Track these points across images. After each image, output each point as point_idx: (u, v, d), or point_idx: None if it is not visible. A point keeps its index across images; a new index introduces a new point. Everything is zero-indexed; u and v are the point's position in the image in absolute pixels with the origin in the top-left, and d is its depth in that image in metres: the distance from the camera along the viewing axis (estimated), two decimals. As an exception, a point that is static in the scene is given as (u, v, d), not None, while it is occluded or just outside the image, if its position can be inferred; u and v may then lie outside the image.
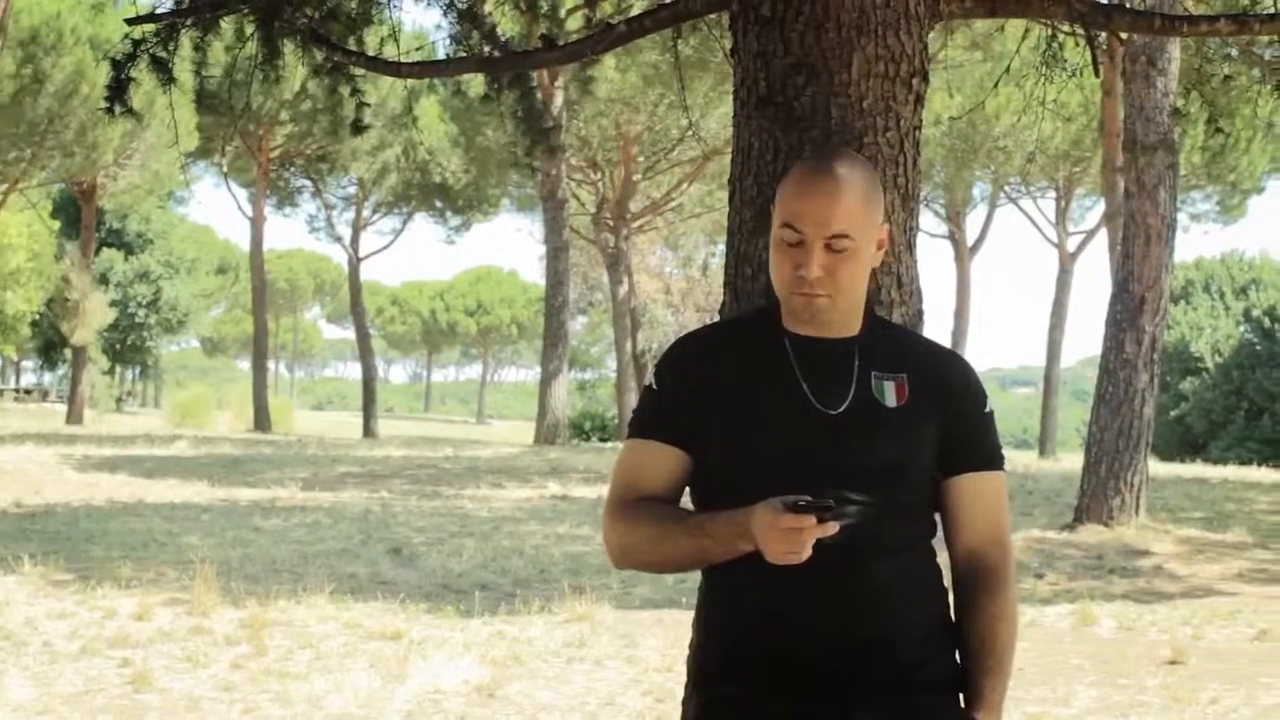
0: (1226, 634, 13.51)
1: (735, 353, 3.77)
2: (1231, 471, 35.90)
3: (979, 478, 3.77)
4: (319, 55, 7.69)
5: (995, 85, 16.76)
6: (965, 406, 3.77)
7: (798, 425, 3.61)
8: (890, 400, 3.67)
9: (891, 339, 3.85)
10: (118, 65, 7.62)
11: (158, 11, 7.49)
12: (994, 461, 3.82)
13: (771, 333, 3.74)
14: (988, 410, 3.84)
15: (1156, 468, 29.51)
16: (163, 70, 7.42)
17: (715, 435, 3.66)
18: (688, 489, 3.79)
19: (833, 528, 3.29)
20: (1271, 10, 6.77)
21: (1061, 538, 19.58)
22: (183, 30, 7.38)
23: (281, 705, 9.97)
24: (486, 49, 8.25)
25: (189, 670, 10.95)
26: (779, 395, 3.65)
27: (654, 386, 3.80)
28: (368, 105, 8.51)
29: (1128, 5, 7.63)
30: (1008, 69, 12.09)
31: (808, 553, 3.31)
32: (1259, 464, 41.39)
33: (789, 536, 3.29)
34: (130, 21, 7.67)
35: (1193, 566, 17.66)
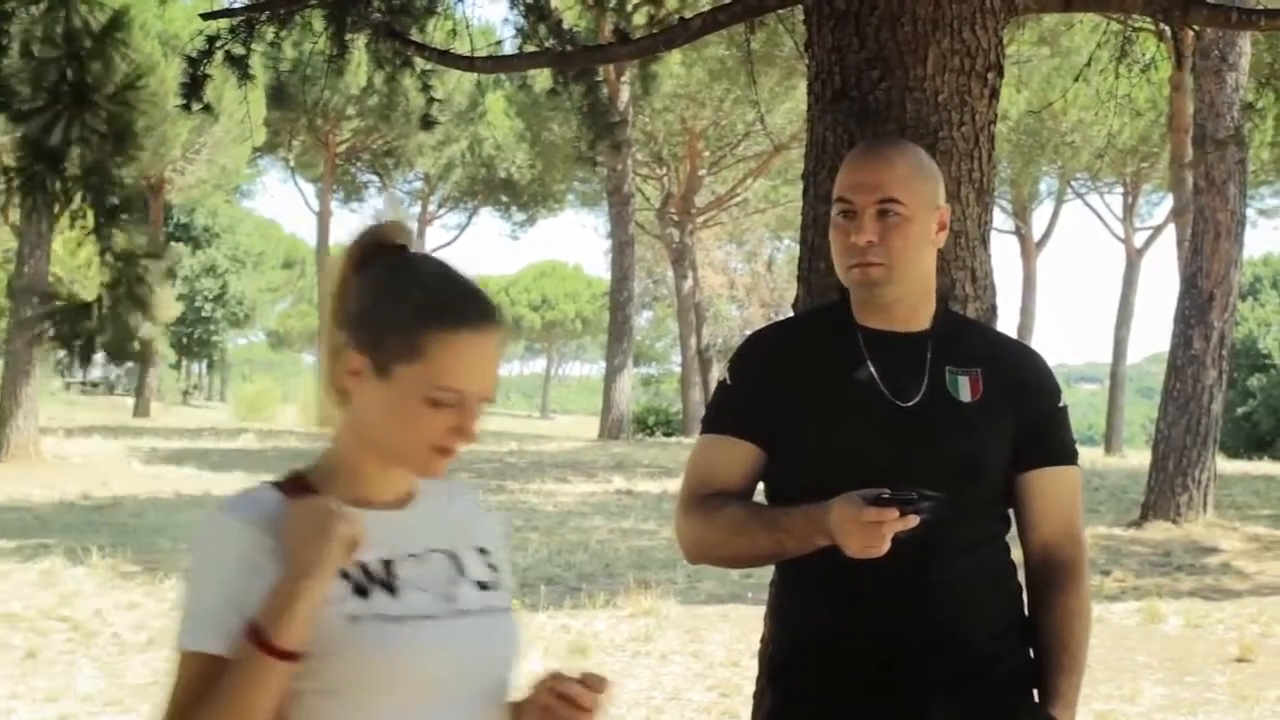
0: (1295, 632, 13.44)
1: (808, 347, 3.79)
2: (1298, 469, 35.66)
3: (1053, 473, 3.76)
4: (389, 50, 7.71)
5: (1076, 79, 16.64)
6: (1040, 402, 3.77)
7: (871, 418, 3.61)
8: (965, 395, 3.67)
9: (965, 333, 3.88)
10: (193, 61, 7.67)
11: (233, 6, 7.52)
12: (1068, 456, 3.81)
13: (843, 326, 3.73)
14: (1061, 405, 3.84)
15: (1224, 465, 29.24)
16: (239, 66, 7.46)
17: (789, 429, 3.66)
18: (762, 484, 3.78)
19: (913, 521, 3.26)
20: (1347, 5, 6.74)
21: (1128, 534, 19.49)
22: (257, 25, 7.41)
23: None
24: (555, 43, 8.27)
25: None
26: (851, 388, 3.64)
27: (728, 381, 3.81)
28: (436, 100, 8.54)
29: None
30: (1089, 63, 12.06)
31: (887, 546, 3.28)
32: (1327, 461, 41.10)
33: (869, 530, 3.26)
34: (205, 16, 7.74)
35: (1260, 564, 17.56)
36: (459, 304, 2.65)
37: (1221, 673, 11.43)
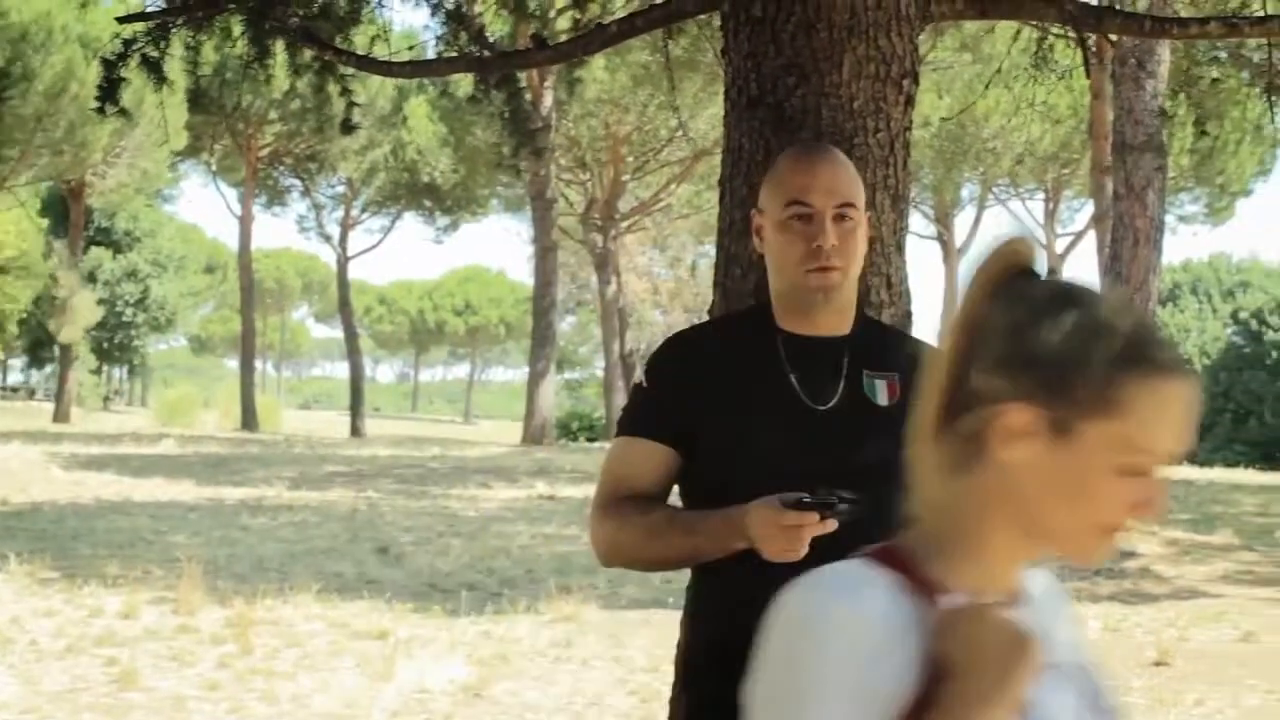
0: (1212, 636, 13.54)
1: (726, 350, 3.77)
2: (1218, 473, 35.95)
3: None
4: (309, 54, 7.68)
5: (986, 87, 16.81)
6: None
7: (787, 422, 3.62)
8: (882, 399, 3.68)
9: (883, 338, 3.88)
10: (109, 64, 7.62)
11: (148, 10, 7.46)
12: None
13: (763, 330, 3.74)
14: None
15: (1143, 470, 29.48)
16: (154, 70, 7.42)
17: (705, 433, 3.65)
18: (676, 486, 3.76)
19: (832, 525, 3.27)
20: (1262, 14, 6.79)
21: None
22: (174, 29, 7.37)
23: (267, 704, 9.97)
24: (475, 49, 8.25)
25: (175, 669, 10.95)
26: (769, 392, 3.65)
27: (644, 384, 3.79)
28: (357, 105, 8.51)
29: (1118, 8, 7.65)
30: (999, 70, 12.17)
31: (805, 550, 3.28)
32: (1246, 466, 41.53)
33: (789, 534, 3.29)
34: (121, 20, 7.68)
35: (1179, 568, 17.69)
36: (1159, 346, 2.03)
37: (1140, 676, 11.50)
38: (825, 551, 3.14)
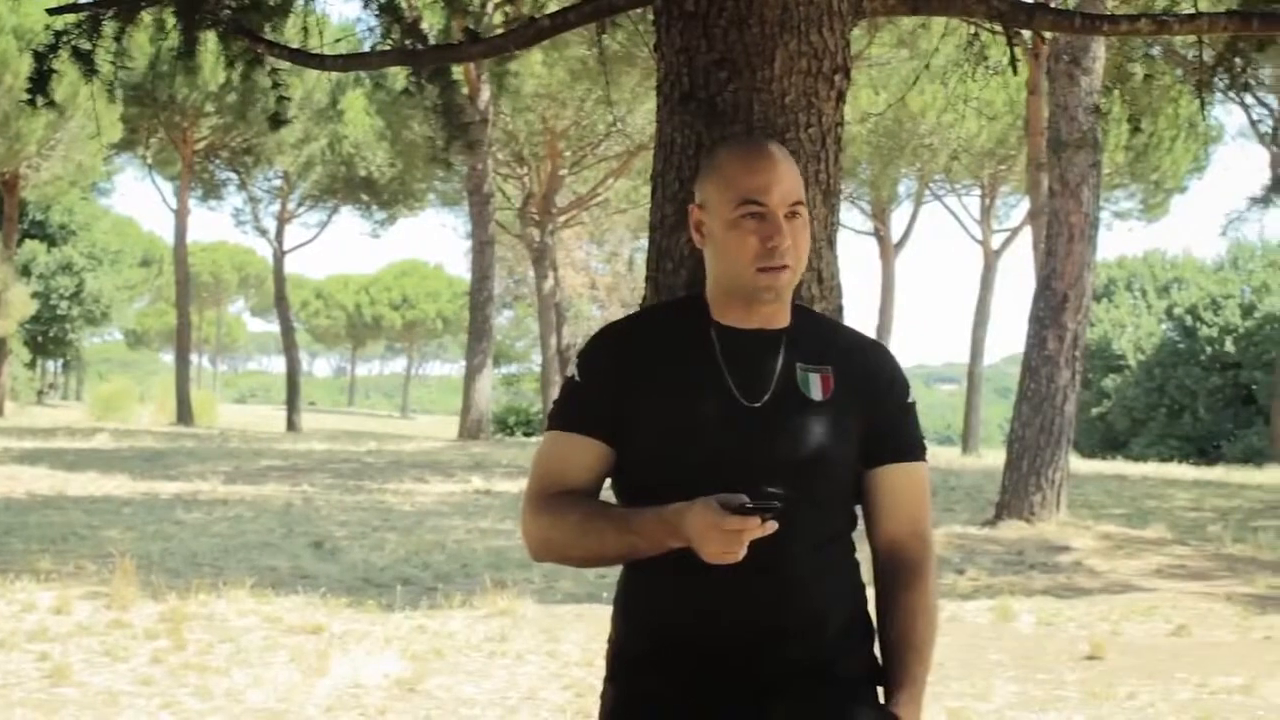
0: (1144, 629, 13.63)
1: (659, 343, 3.75)
2: (1152, 468, 36.22)
3: (901, 469, 3.77)
4: (240, 47, 7.64)
5: (914, 82, 16.89)
6: (889, 398, 3.78)
7: (720, 418, 3.59)
8: (816, 393, 3.66)
9: (817, 331, 3.84)
10: (40, 56, 7.57)
11: (80, 1, 7.42)
12: (916, 452, 3.81)
13: (697, 323, 3.73)
14: (910, 401, 3.84)
15: (1078, 464, 29.70)
16: (85, 62, 7.37)
17: (638, 427, 3.64)
18: (609, 481, 3.76)
19: (773, 526, 3.27)
20: (1191, 11, 6.82)
21: (983, 534, 19.69)
22: (104, 21, 7.33)
23: (201, 699, 9.92)
24: (408, 42, 8.23)
25: (108, 664, 10.88)
26: (702, 387, 3.63)
27: (575, 377, 3.76)
28: (287, 99, 8.46)
29: (1049, 4, 7.68)
30: (926, 66, 12.20)
31: (744, 553, 3.30)
32: (1179, 461, 41.88)
33: (729, 537, 3.27)
34: (51, 11, 7.63)
35: (1112, 562, 17.78)
36: None
37: (1073, 670, 11.56)
38: (758, 545, 3.34)
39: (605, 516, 3.60)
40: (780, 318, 3.74)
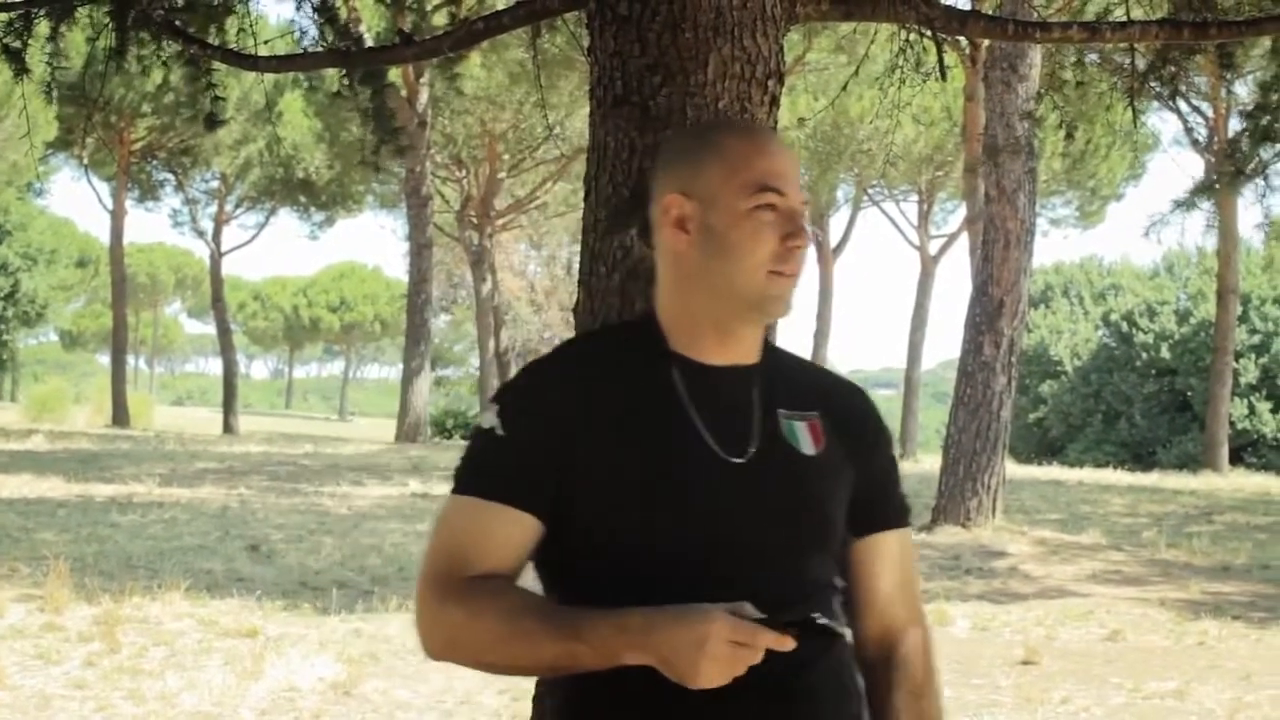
0: (1079, 634, 13.70)
1: (607, 384, 2.94)
2: (1088, 474, 36.36)
3: (894, 537, 3.13)
4: (174, 47, 7.60)
5: (844, 87, 16.86)
6: (877, 452, 3.13)
7: (696, 480, 2.86)
8: (807, 446, 2.96)
9: (788, 368, 3.13)
10: (-31, 55, 7.51)
11: (10, 0, 7.36)
12: (905, 517, 3.19)
13: (653, 356, 2.98)
14: (895, 454, 3.22)
15: (1014, 470, 29.83)
16: (16, 60, 7.32)
17: (582, 498, 2.85)
18: (533, 565, 2.97)
19: (790, 643, 2.57)
20: (1124, 19, 6.86)
21: (919, 538, 19.71)
22: (37, 19, 7.27)
23: (134, 703, 9.88)
24: (342, 44, 8.19)
25: (41, 667, 10.83)
26: (669, 441, 2.88)
27: (498, 431, 2.92)
28: (223, 100, 8.42)
29: (981, 11, 7.72)
30: (856, 71, 12.20)
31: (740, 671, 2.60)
32: (1115, 467, 42.02)
33: (737, 656, 2.57)
34: (-19, 10, 7.57)
35: (1047, 567, 17.87)
36: None
37: (1007, 675, 11.61)
38: (762, 662, 2.62)
39: (538, 615, 2.78)
40: (754, 349, 3.01)
